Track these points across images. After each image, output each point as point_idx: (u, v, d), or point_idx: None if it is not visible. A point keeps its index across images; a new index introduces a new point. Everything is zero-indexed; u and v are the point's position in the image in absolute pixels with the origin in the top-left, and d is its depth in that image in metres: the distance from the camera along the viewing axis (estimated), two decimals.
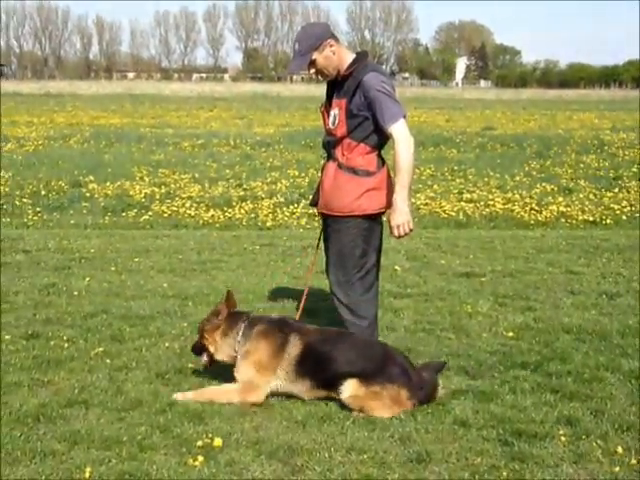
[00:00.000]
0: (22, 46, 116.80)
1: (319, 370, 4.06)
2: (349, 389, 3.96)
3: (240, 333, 4.21)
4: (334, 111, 4.42)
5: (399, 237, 4.33)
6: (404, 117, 4.31)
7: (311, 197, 4.81)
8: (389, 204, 4.37)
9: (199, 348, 4.35)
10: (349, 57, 4.40)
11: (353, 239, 4.38)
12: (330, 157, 4.52)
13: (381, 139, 4.38)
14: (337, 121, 4.39)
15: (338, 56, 4.36)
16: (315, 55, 4.32)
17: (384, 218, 4.57)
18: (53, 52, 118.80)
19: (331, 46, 4.33)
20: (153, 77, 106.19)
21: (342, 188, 4.38)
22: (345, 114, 4.35)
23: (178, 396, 4.13)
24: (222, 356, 4.27)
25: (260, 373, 4.09)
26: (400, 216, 4.22)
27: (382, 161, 4.46)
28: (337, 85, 4.45)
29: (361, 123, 4.34)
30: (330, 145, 4.50)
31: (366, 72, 4.30)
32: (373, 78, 4.27)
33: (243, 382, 4.12)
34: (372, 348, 4.13)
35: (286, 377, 4.09)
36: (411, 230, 4.30)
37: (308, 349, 4.09)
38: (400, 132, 4.25)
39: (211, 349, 4.28)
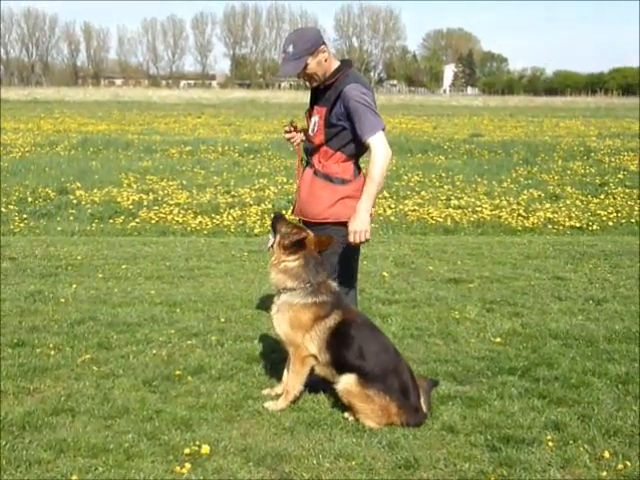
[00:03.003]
0: (9, 53, 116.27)
1: (339, 348, 4.06)
2: (345, 382, 3.97)
3: (303, 286, 4.12)
4: (314, 118, 4.44)
5: (354, 244, 4.32)
6: (383, 129, 4.30)
7: (293, 205, 4.80)
8: None
9: (274, 229, 4.25)
10: (334, 65, 4.41)
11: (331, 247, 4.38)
12: (308, 163, 4.53)
13: (358, 148, 4.38)
14: (316, 129, 4.41)
15: (328, 63, 4.37)
16: (309, 60, 4.30)
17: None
18: (40, 59, 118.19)
19: (323, 52, 4.34)
20: (141, 84, 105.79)
21: (317, 195, 4.39)
22: (324, 123, 4.36)
23: (271, 405, 4.13)
24: (275, 274, 4.19)
25: (295, 331, 4.11)
26: (359, 224, 4.21)
27: (358, 170, 4.47)
28: (319, 92, 4.46)
29: (339, 132, 4.34)
30: (308, 152, 4.52)
31: (347, 82, 4.29)
32: (354, 89, 4.27)
33: (292, 346, 4.14)
34: (388, 356, 4.08)
35: (317, 342, 4.09)
36: (367, 240, 4.29)
37: (341, 325, 4.08)
38: (378, 144, 4.24)
39: (277, 250, 4.18)
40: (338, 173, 4.37)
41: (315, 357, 4.13)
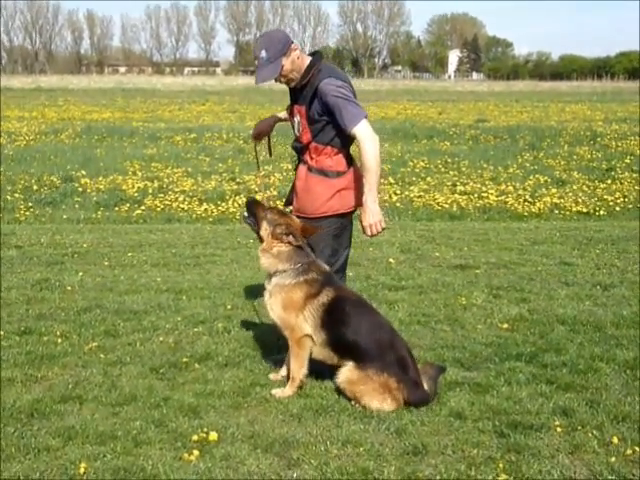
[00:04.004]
0: (12, 40, 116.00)
1: (334, 325, 4.08)
2: (344, 372, 3.99)
3: (293, 267, 4.13)
4: (296, 118, 4.45)
5: (371, 236, 4.34)
6: (365, 117, 4.28)
7: (286, 197, 4.80)
8: (361, 202, 4.34)
9: (251, 213, 4.26)
10: (306, 61, 4.38)
11: (324, 238, 4.37)
12: (300, 161, 4.53)
13: (347, 139, 4.39)
14: (301, 128, 4.42)
15: (300, 60, 4.35)
16: (284, 60, 4.28)
17: (358, 212, 4.52)
18: (44, 46, 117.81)
19: (295, 50, 4.32)
20: (145, 71, 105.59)
21: (313, 190, 4.39)
22: (306, 121, 4.37)
23: (278, 392, 4.13)
24: (266, 258, 4.19)
25: (288, 312, 4.13)
26: (372, 216, 4.23)
27: (351, 160, 4.48)
28: (297, 91, 4.45)
29: (324, 127, 4.35)
30: (298, 150, 4.52)
31: (322, 78, 4.27)
32: (328, 84, 4.26)
33: (287, 329, 4.16)
34: (383, 332, 4.11)
35: (311, 321, 4.11)
36: (383, 229, 4.30)
37: (335, 302, 4.10)
38: (363, 133, 4.23)
39: (261, 233, 4.22)
40: (332, 167, 4.39)
41: (311, 338, 4.13)
